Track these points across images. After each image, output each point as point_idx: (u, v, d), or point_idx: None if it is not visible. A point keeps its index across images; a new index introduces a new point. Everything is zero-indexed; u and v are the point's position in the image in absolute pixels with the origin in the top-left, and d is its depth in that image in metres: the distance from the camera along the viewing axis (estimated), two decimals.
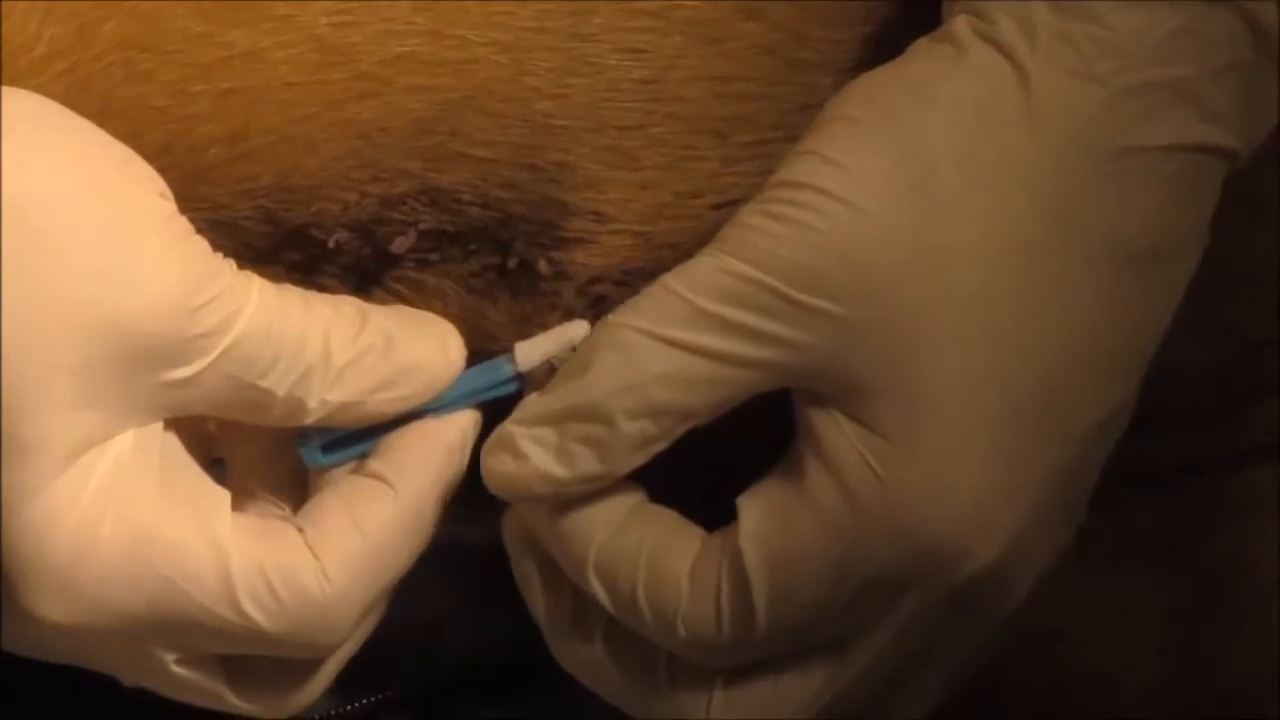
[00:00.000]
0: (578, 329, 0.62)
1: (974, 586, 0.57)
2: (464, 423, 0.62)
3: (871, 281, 0.56)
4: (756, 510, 0.58)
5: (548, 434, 0.58)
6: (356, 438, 0.61)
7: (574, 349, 0.61)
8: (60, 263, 0.56)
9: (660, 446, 0.58)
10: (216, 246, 0.59)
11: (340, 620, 0.59)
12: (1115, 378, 0.58)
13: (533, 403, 0.59)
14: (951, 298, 0.56)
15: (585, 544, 0.59)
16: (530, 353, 0.62)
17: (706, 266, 0.57)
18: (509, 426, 0.59)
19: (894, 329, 0.56)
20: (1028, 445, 0.57)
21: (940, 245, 0.56)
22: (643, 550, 0.59)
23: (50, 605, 0.58)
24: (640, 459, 0.58)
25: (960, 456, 0.56)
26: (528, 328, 0.63)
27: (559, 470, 0.58)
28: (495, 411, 0.62)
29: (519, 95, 0.62)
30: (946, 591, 0.57)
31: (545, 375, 0.61)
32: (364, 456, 0.62)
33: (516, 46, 0.61)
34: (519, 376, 0.62)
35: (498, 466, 0.59)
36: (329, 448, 0.61)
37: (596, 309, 0.63)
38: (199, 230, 0.60)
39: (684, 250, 0.63)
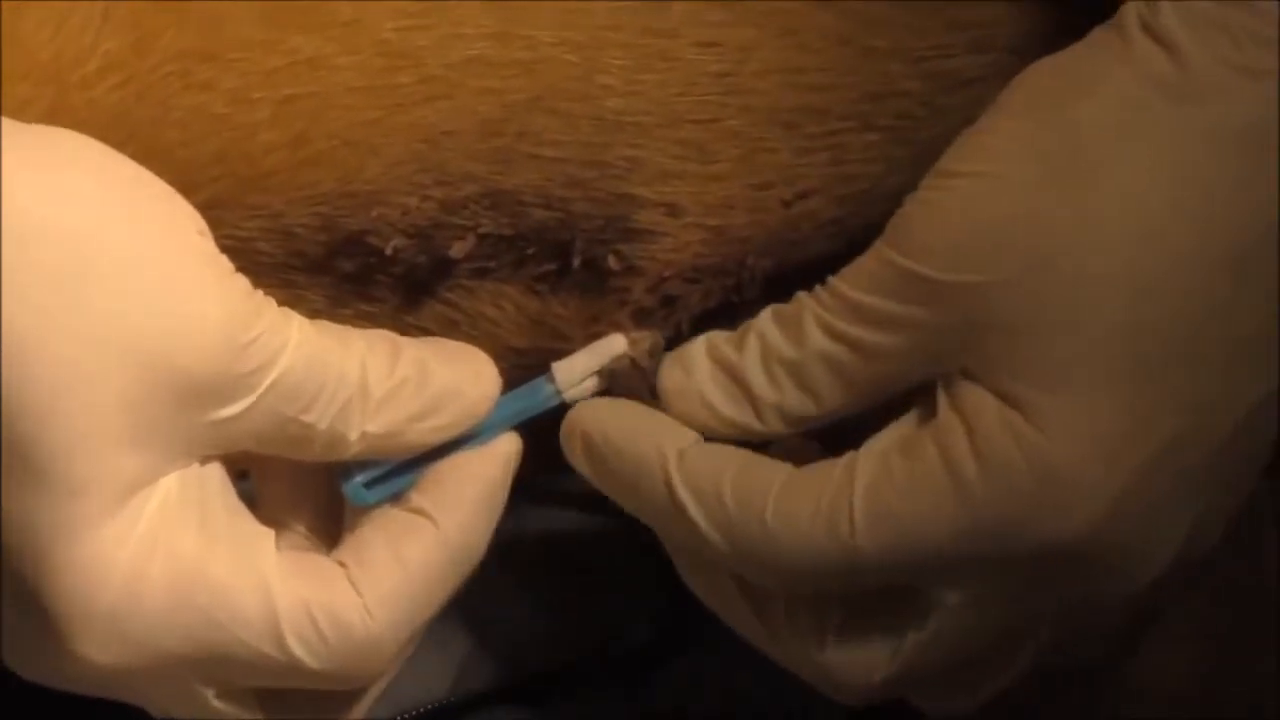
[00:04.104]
0: (615, 343, 0.61)
1: (1078, 564, 0.57)
2: (504, 450, 0.61)
3: (1017, 248, 0.56)
4: (885, 437, 0.58)
5: (721, 375, 0.59)
6: (398, 472, 0.60)
7: (614, 360, 0.61)
8: (113, 301, 0.54)
9: (808, 425, 0.59)
10: (268, 255, 0.58)
11: (382, 656, 0.59)
12: (1264, 363, 0.57)
13: (720, 341, 0.60)
14: (1094, 269, 0.55)
15: (678, 442, 0.59)
16: (569, 371, 0.61)
17: (868, 258, 0.58)
18: (699, 342, 0.60)
19: (1036, 297, 0.56)
20: (1162, 415, 0.56)
21: (1083, 219, 0.56)
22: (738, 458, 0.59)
23: (97, 647, 0.57)
24: (787, 430, 0.59)
25: (1082, 433, 0.56)
26: (597, 326, 0.62)
27: (721, 407, 0.59)
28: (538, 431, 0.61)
29: (590, 93, 0.59)
30: (1055, 563, 0.57)
31: (631, 371, 0.60)
32: (405, 490, 0.60)
33: (589, 44, 0.59)
34: (559, 395, 0.61)
35: (669, 380, 0.60)
36: (372, 485, 0.60)
37: (667, 309, 0.62)
38: (252, 239, 0.59)
39: (754, 245, 0.62)
